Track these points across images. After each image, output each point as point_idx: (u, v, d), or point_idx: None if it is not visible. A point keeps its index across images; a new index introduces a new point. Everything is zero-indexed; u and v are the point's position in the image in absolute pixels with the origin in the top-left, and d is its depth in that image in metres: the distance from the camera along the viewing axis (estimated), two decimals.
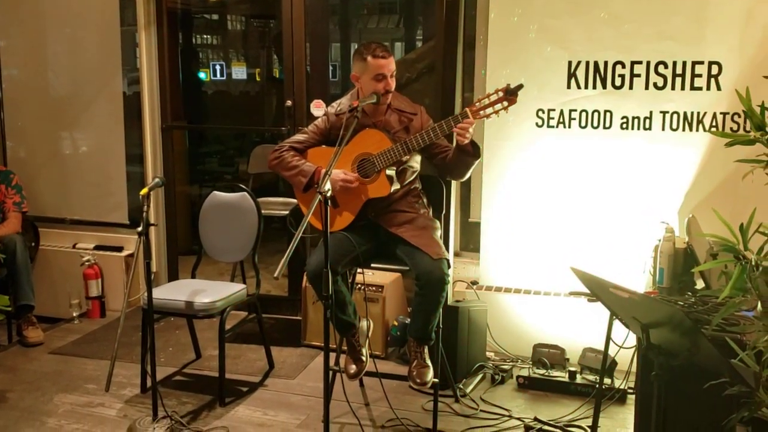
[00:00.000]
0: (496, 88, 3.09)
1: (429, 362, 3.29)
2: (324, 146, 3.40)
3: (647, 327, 2.21)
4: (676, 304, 2.74)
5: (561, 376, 3.73)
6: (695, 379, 2.17)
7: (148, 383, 3.66)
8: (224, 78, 8.50)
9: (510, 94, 3.07)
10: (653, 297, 2.80)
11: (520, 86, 3.07)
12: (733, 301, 1.93)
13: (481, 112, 3.09)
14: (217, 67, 8.62)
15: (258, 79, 8.11)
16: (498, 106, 3.08)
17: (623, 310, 2.46)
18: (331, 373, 3.43)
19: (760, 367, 1.91)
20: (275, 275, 2.64)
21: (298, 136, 3.47)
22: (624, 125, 3.73)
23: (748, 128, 2.02)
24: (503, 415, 3.48)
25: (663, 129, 3.67)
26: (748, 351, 1.92)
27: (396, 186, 3.27)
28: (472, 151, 3.20)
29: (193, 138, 6.90)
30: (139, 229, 3.15)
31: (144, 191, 3.22)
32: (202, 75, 8.21)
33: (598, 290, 2.49)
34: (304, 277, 4.26)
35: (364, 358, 3.40)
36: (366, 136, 3.27)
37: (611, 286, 2.24)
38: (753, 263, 1.87)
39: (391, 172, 3.25)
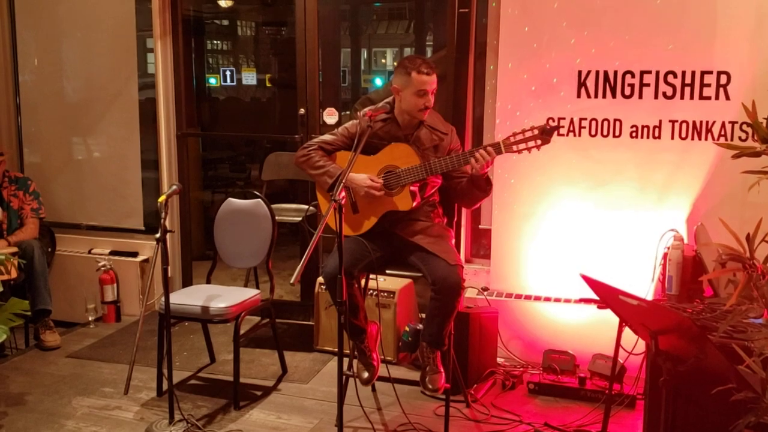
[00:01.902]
0: (532, 125, 3.12)
1: (442, 368, 3.34)
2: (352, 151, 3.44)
3: (656, 334, 2.25)
4: (684, 311, 2.78)
5: (571, 382, 3.76)
6: (703, 385, 2.21)
7: (164, 387, 3.72)
8: (234, 84, 8.57)
9: (545, 134, 3.10)
10: (661, 304, 2.84)
11: (556, 127, 3.11)
12: (740, 308, 1.98)
13: (514, 147, 3.13)
14: (228, 73, 8.69)
15: (269, 85, 8.18)
16: (531, 143, 3.11)
17: (632, 317, 2.50)
18: (344, 377, 3.48)
19: (766, 374, 1.95)
20: (291, 281, 2.69)
21: (327, 137, 3.51)
22: (633, 134, 3.77)
23: (757, 138, 2.07)
24: (514, 420, 3.52)
25: (672, 138, 3.71)
26: (755, 358, 1.97)
27: (418, 200, 3.32)
28: (483, 186, 3.25)
29: (206, 143, 6.97)
30: (157, 235, 3.22)
31: (162, 199, 3.29)
32: (212, 80, 8.28)
33: (607, 297, 2.53)
34: (317, 283, 4.32)
35: (375, 363, 3.46)
36: (395, 149, 3.32)
37: (620, 294, 2.29)
38: (760, 272, 1.92)
39: (414, 188, 3.30)
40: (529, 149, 3.13)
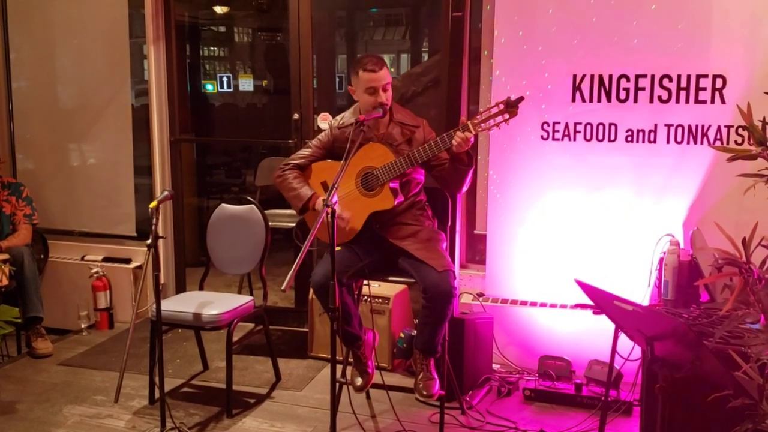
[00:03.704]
0: (497, 101, 3.12)
1: (435, 375, 3.31)
2: (328, 160, 3.44)
3: (652, 339, 2.22)
4: (680, 316, 2.75)
5: (567, 388, 3.73)
6: (699, 392, 2.18)
7: (156, 395, 3.68)
8: (231, 90, 8.56)
9: (510, 107, 3.08)
10: (657, 310, 2.81)
11: (521, 98, 3.09)
12: (736, 314, 1.95)
13: (483, 125, 3.11)
14: (224, 79, 8.68)
15: (265, 90, 8.17)
16: (499, 119, 3.09)
17: (628, 323, 2.47)
18: (337, 385, 3.45)
19: (763, 380, 1.92)
20: (282, 288, 2.67)
21: (302, 151, 3.53)
22: (629, 138, 3.75)
23: (752, 142, 2.04)
24: (509, 427, 3.48)
25: (668, 142, 3.69)
26: (752, 364, 1.94)
27: (400, 198, 3.30)
28: (466, 161, 3.21)
29: (201, 150, 6.95)
30: (148, 241, 3.19)
31: (153, 204, 3.26)
32: (209, 87, 8.27)
33: (602, 303, 2.51)
34: (311, 289, 4.28)
35: (370, 371, 3.43)
36: (369, 150, 3.31)
37: (615, 299, 2.26)
38: (756, 277, 1.89)
39: (394, 184, 3.28)
40: (498, 125, 3.10)
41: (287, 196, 3.45)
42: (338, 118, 3.52)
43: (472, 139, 3.13)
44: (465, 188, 3.36)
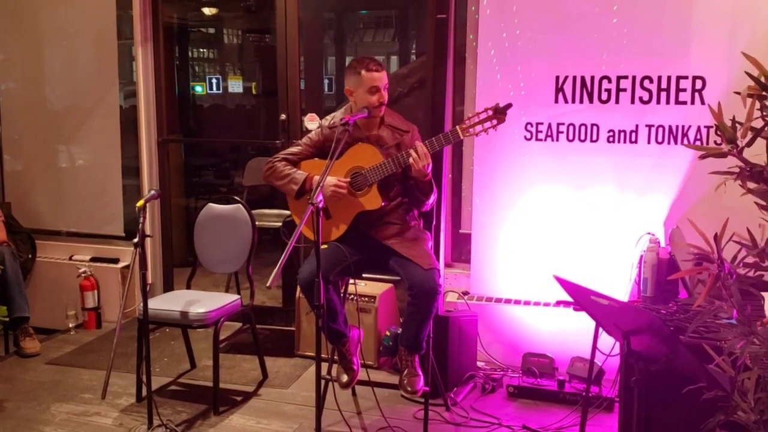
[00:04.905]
0: (486, 106, 3.17)
1: (420, 371, 3.35)
2: (317, 159, 3.48)
3: (628, 334, 2.27)
4: (657, 312, 2.80)
5: (550, 384, 3.78)
6: (675, 384, 2.23)
7: (144, 393, 3.70)
8: (220, 91, 8.58)
9: (499, 113, 3.15)
10: (632, 304, 2.86)
11: (509, 105, 3.16)
12: (708, 308, 1.99)
13: (471, 130, 3.17)
14: (213, 81, 8.69)
15: (254, 92, 8.19)
16: (487, 124, 3.16)
17: (605, 318, 2.52)
18: (323, 382, 3.49)
19: (735, 372, 1.97)
20: (267, 285, 2.71)
21: (292, 148, 3.55)
22: (610, 138, 3.80)
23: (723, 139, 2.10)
24: (493, 423, 3.53)
25: (648, 142, 3.74)
26: (724, 356, 1.98)
27: (387, 200, 3.34)
28: (426, 190, 3.31)
29: (189, 150, 6.97)
30: (135, 240, 3.22)
31: (140, 203, 3.29)
32: (198, 88, 8.28)
33: (580, 298, 2.55)
34: (298, 288, 4.32)
35: (355, 368, 3.46)
36: (359, 150, 3.35)
37: (592, 294, 2.31)
38: (727, 271, 1.93)
39: (382, 185, 3.32)
40: (486, 130, 3.18)
41: (280, 184, 3.45)
42: (329, 117, 3.55)
43: (430, 167, 3.19)
44: (425, 209, 3.43)
